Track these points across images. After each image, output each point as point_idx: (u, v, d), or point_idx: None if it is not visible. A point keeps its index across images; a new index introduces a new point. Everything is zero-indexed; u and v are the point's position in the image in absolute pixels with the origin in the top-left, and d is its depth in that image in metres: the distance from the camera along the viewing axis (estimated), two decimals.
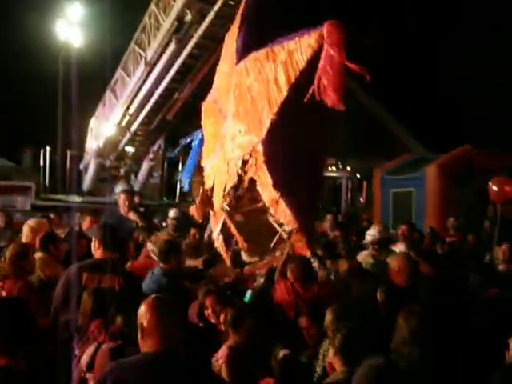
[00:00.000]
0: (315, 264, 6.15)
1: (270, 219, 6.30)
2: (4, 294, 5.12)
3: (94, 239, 5.36)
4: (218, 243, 6.86)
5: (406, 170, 15.91)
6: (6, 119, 19.69)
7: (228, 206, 6.50)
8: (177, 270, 5.89)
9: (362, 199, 18.66)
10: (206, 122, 7.35)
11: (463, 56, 22.62)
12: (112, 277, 4.93)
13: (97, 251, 5.29)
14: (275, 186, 5.65)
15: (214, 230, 7.02)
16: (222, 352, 4.51)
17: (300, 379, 4.42)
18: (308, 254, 6.03)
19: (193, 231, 8.26)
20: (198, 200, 7.24)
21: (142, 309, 3.36)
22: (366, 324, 4.17)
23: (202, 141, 7.50)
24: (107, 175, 17.01)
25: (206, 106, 7.37)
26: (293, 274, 5.87)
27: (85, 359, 4.08)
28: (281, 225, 6.14)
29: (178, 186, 18.50)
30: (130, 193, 10.17)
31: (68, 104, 16.08)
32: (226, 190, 6.32)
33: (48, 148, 17.09)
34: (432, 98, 22.83)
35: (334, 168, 20.61)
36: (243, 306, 5.62)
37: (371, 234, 8.20)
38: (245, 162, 5.96)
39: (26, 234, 6.66)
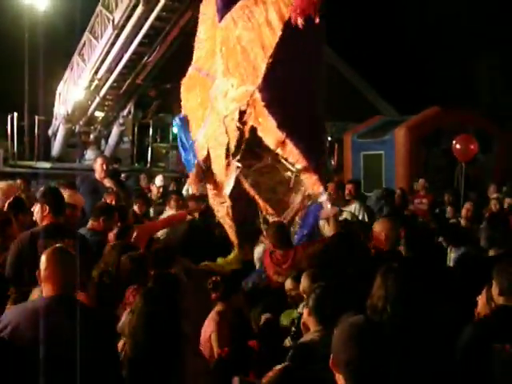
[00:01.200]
0: (323, 198, 6.17)
1: (281, 159, 6.31)
2: None
3: (40, 205, 5.37)
4: (224, 212, 6.82)
5: (377, 133, 16.03)
6: None
7: (239, 162, 6.45)
8: (101, 232, 6.15)
9: (333, 162, 18.71)
10: (188, 97, 7.29)
11: (432, 16, 22.64)
12: (67, 241, 4.96)
13: (46, 217, 5.29)
14: (280, 126, 5.72)
15: (218, 202, 6.99)
16: (212, 318, 4.63)
17: (282, 341, 4.51)
18: (320, 189, 6.08)
19: (174, 197, 8.66)
20: (192, 173, 7.21)
21: (43, 257, 3.69)
22: (341, 285, 4.26)
23: (184, 121, 7.43)
24: (77, 141, 16.80)
25: (186, 81, 7.33)
26: (270, 240, 5.94)
27: (119, 326, 4.15)
28: (292, 165, 6.23)
29: (149, 151, 18.41)
30: (107, 158, 10.13)
31: (35, 68, 15.75)
32: (231, 149, 6.30)
33: (15, 114, 16.77)
34: (402, 59, 22.87)
35: None
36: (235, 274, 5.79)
37: None
38: (242, 113, 5.96)
39: None
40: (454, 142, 11.50)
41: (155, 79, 15.67)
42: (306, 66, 6.04)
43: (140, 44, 12.77)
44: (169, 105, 16.86)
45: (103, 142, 17.05)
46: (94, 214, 6.27)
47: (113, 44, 12.82)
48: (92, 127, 16.47)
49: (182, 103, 7.42)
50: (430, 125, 15.09)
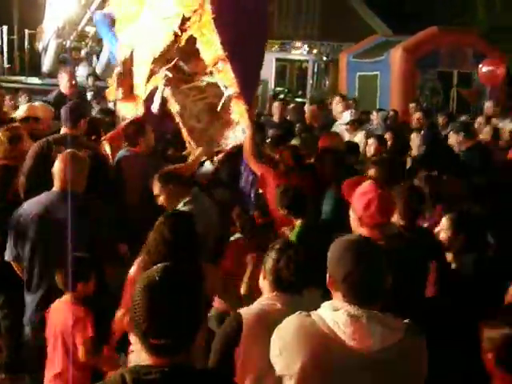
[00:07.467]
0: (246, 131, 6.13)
1: (217, 78, 5.96)
2: None
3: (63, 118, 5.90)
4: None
5: (372, 53, 15.84)
6: None
7: (169, 71, 6.13)
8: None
9: (327, 83, 18.53)
10: None
11: None
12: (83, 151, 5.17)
13: (63, 129, 5.92)
14: (224, 44, 5.50)
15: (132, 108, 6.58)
16: None
17: None
18: (247, 121, 6.00)
19: None
20: (117, 75, 6.64)
21: (58, 157, 4.59)
22: None
23: (105, 17, 7.11)
24: (68, 56, 16.46)
25: None
26: None
27: None
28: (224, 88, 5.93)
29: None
30: (73, 72, 9.99)
31: None
32: (157, 53, 5.98)
33: (4, 27, 16.34)
34: None
35: (300, 51, 20.25)
36: None
37: (348, 114, 8.45)
38: (185, 20, 5.71)
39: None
40: (480, 65, 11.32)
41: None
42: None
43: None
44: None
45: (95, 58, 16.72)
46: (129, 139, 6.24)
47: None
48: (83, 43, 16.13)
49: None
50: (426, 46, 14.89)
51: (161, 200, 5.12)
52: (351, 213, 3.70)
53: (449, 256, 4.01)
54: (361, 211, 3.59)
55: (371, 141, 7.36)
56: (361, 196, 3.62)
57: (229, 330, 3.00)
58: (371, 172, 5.41)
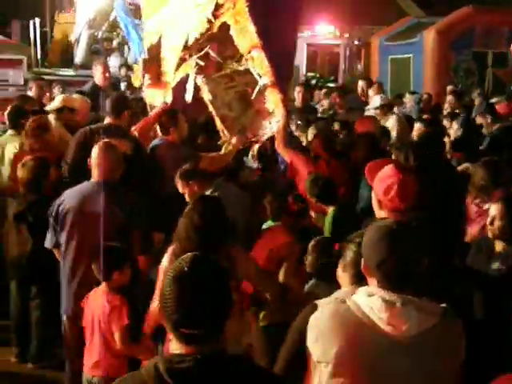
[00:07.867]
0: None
1: (251, 66, 5.94)
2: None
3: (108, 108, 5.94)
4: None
5: (405, 36, 15.63)
6: None
7: (200, 59, 6.11)
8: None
9: (359, 67, 18.33)
10: None
11: None
12: (119, 140, 5.23)
13: (107, 119, 5.95)
14: (258, 32, 5.51)
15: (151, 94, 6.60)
16: None
17: None
18: (282, 110, 5.97)
19: None
20: (144, 59, 6.63)
21: (94, 148, 4.68)
22: None
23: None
24: (100, 47, 16.59)
25: None
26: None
27: None
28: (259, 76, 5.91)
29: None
30: (107, 64, 9.96)
31: None
32: (190, 39, 5.97)
33: (37, 19, 16.50)
34: None
35: (331, 35, 20.04)
36: None
37: (377, 100, 8.36)
38: (219, 6, 5.70)
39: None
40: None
41: None
42: None
43: None
44: None
45: (126, 48, 16.82)
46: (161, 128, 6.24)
47: None
48: (114, 33, 16.24)
49: None
50: (460, 27, 14.62)
51: (186, 196, 5.14)
52: (373, 195, 3.68)
53: (499, 245, 3.90)
54: (381, 195, 3.57)
55: (418, 125, 7.25)
56: (381, 180, 3.59)
57: (303, 321, 2.84)
58: (394, 156, 5.39)
